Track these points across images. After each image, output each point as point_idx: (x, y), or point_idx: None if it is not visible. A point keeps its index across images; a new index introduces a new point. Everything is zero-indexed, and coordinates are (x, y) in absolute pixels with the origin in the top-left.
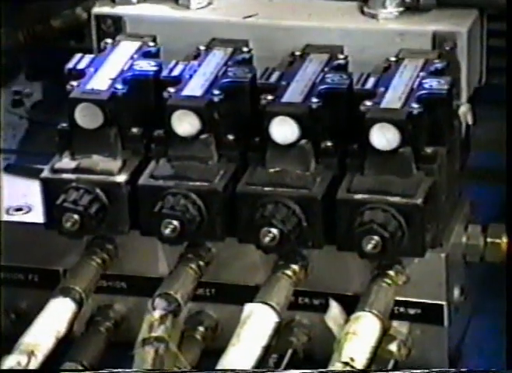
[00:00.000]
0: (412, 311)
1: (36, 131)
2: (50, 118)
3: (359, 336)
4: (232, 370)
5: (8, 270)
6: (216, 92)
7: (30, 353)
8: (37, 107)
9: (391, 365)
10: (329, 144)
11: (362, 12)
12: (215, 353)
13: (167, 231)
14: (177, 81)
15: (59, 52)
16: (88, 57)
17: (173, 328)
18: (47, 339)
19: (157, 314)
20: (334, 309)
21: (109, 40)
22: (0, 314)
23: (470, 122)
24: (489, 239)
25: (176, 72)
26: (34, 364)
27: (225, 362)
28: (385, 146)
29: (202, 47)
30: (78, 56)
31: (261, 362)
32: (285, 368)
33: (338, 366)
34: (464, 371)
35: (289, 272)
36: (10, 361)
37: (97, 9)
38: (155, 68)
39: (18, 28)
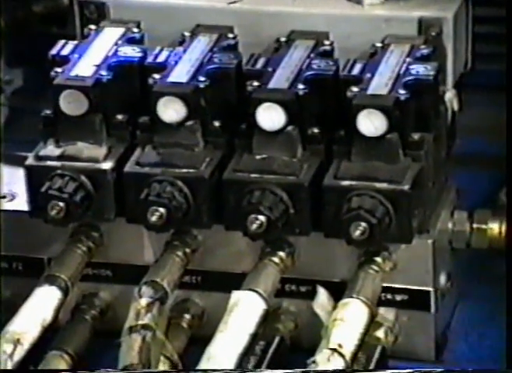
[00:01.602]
0: (398, 298)
1: (17, 118)
2: (31, 105)
3: (347, 322)
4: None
5: None
6: (202, 78)
7: (16, 342)
8: (18, 94)
9: (378, 351)
10: (316, 130)
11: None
12: (201, 340)
13: (153, 218)
14: (162, 67)
15: (41, 38)
16: (71, 44)
17: (159, 316)
18: (32, 328)
19: (144, 302)
20: (322, 296)
21: (92, 26)
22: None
23: (456, 108)
24: (475, 225)
25: (161, 59)
26: (20, 353)
27: (212, 349)
28: (372, 132)
29: (187, 33)
30: (61, 42)
31: (249, 349)
32: (273, 356)
33: (326, 352)
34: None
35: (276, 259)
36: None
37: None
38: (139, 55)
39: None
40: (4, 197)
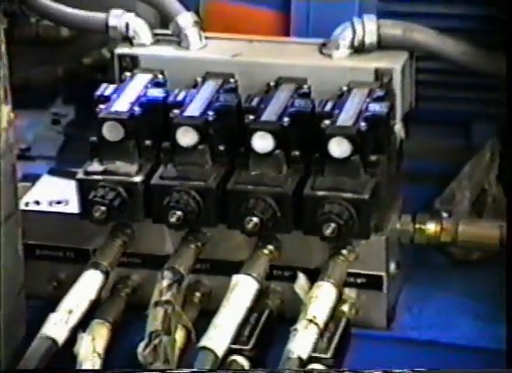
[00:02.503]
0: (359, 281)
1: (70, 143)
2: (81, 133)
3: (320, 299)
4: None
5: (50, 248)
6: (210, 113)
7: (69, 313)
8: (71, 125)
9: (343, 322)
10: (297, 153)
11: (321, 53)
12: (209, 313)
13: (173, 219)
14: (180, 104)
15: (89, 83)
16: (112, 87)
17: (177, 294)
18: (81, 302)
19: (165, 283)
20: (301, 279)
21: (128, 73)
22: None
23: (403, 136)
24: (416, 226)
25: (179, 98)
26: (72, 321)
27: (217, 320)
28: (340, 155)
29: (199, 79)
30: (104, 85)
31: (245, 319)
32: (263, 324)
33: (304, 322)
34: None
35: (266, 251)
36: (54, 318)
37: (119, 50)
38: (163, 95)
39: (58, 64)
40: (60, 202)
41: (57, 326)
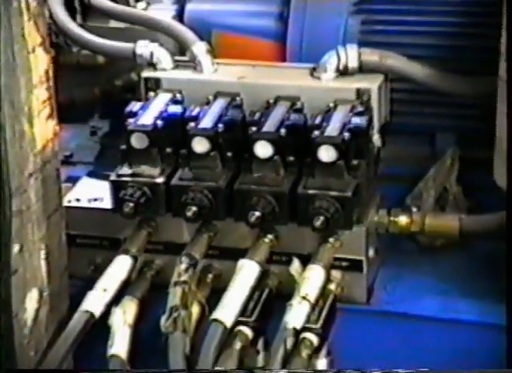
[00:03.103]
0: (343, 264)
1: (105, 151)
2: (114, 143)
3: (311, 280)
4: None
5: (88, 238)
6: (220, 125)
7: (104, 291)
8: (106, 136)
9: (330, 298)
10: (292, 158)
11: (312, 75)
12: (219, 291)
13: (189, 213)
14: (195, 118)
15: (120, 101)
16: (139, 104)
17: (193, 275)
18: (114, 282)
19: (183, 266)
20: (296, 263)
21: (152, 93)
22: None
23: (380, 145)
24: (391, 219)
25: (194, 113)
26: (107, 297)
27: (226, 297)
28: (327, 160)
29: (211, 97)
30: (133, 103)
31: (249, 297)
32: (264, 301)
33: (297, 299)
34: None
35: (266, 240)
36: (92, 295)
37: (144, 74)
38: (181, 110)
39: (95, 86)
40: (97, 200)
41: (94, 302)
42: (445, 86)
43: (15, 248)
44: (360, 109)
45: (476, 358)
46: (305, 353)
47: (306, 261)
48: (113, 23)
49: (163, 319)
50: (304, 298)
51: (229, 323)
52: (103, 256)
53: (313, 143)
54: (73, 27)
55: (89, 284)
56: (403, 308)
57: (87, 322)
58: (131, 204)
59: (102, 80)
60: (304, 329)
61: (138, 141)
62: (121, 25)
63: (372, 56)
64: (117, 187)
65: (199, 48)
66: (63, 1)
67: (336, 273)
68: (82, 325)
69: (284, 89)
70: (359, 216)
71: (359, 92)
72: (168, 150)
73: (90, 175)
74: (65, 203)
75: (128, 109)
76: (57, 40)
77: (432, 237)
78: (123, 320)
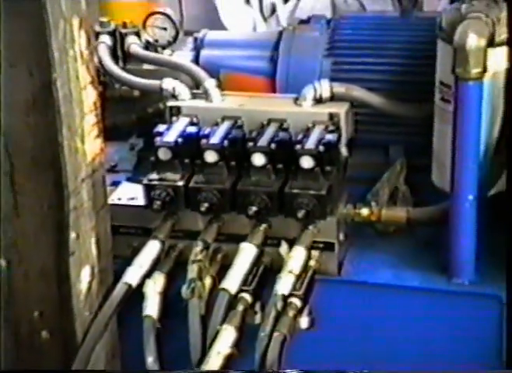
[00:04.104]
0: (320, 245)
1: (140, 162)
2: (146, 156)
3: (296, 258)
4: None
5: (127, 227)
6: (226, 141)
7: (140, 267)
8: (140, 150)
9: (310, 272)
10: (280, 166)
11: (295, 103)
12: (226, 267)
13: (203, 208)
14: (207, 136)
15: (151, 124)
16: (164, 126)
17: (206, 255)
18: (147, 260)
19: (198, 248)
20: (284, 245)
21: (174, 118)
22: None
23: (347, 155)
24: (356, 211)
25: (206, 132)
26: (142, 272)
27: (231, 272)
28: (307, 167)
29: (219, 120)
30: (160, 125)
31: (249, 272)
32: (260, 274)
33: (285, 273)
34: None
35: (261, 228)
36: (130, 270)
37: (169, 103)
38: (196, 131)
39: (132, 113)
40: (133, 199)
41: (132, 276)
42: (395, 110)
43: (73, 235)
44: (332, 128)
45: (418, 314)
46: (291, 313)
47: (291, 244)
48: (145, 66)
49: (183, 289)
50: (290, 271)
51: (233, 291)
52: (138, 241)
53: (296, 154)
54: (116, 69)
55: (128, 262)
56: (364, 278)
57: (127, 291)
58: (159, 202)
59: (137, 108)
60: (290, 295)
61: (163, 154)
62: (152, 67)
63: (340, 88)
64: (148, 189)
65: (210, 83)
66: (109, 51)
67: (315, 253)
68: (123, 293)
69: (274, 114)
70: (331, 209)
71: (331, 116)
72: (186, 160)
73: (129, 180)
74: (110, 202)
75: (156, 130)
76: (104, 79)
77: (386, 225)
78: (154, 289)
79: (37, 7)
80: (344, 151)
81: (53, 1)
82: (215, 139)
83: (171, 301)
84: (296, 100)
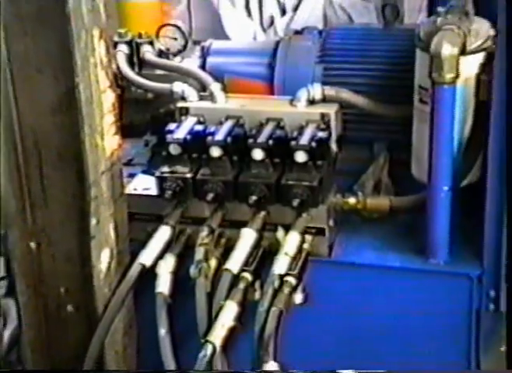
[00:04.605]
0: (313, 231)
1: (154, 157)
2: (159, 151)
3: (291, 242)
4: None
5: (142, 214)
6: (229, 138)
7: (153, 249)
8: (154, 146)
9: (304, 253)
10: (277, 160)
11: (291, 104)
12: (229, 249)
13: (208, 198)
14: (212, 134)
15: (164, 123)
16: (175, 124)
17: (211, 239)
18: (160, 243)
19: (205, 233)
20: (280, 231)
21: (183, 117)
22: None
23: (336, 150)
24: (344, 200)
25: (212, 130)
26: (155, 254)
27: (234, 254)
28: (301, 161)
29: (223, 119)
30: (171, 124)
31: (249, 254)
32: (260, 256)
33: (282, 255)
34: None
35: (261, 215)
36: (145, 252)
37: (179, 104)
38: (203, 128)
39: (147, 113)
40: (148, 189)
41: (146, 256)
42: (379, 111)
43: (93, 221)
44: (323, 126)
45: (399, 290)
46: (287, 290)
47: (287, 229)
48: (158, 71)
49: (191, 269)
50: (286, 254)
51: (235, 271)
52: (152, 226)
53: (291, 149)
54: (132, 74)
55: (143, 245)
56: (352, 259)
57: (141, 270)
58: (170, 192)
59: (151, 109)
60: (286, 274)
61: (174, 150)
62: (164, 72)
63: (331, 91)
64: (160, 181)
65: (215, 87)
66: (126, 58)
67: (308, 237)
68: (138, 272)
69: (272, 114)
70: (322, 198)
71: (323, 115)
72: (194, 155)
73: (143, 172)
74: (127, 192)
75: (167, 128)
76: (121, 83)
77: (371, 212)
78: (165, 269)
79: (62, 19)
80: (334, 147)
81: (76, 14)
82: (219, 136)
83: (181, 279)
84: (291, 102)
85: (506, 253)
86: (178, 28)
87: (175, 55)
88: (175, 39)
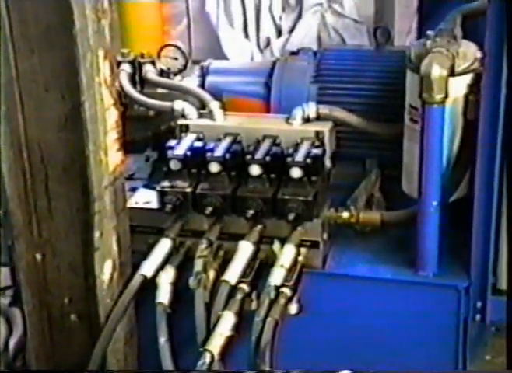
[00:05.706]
0: (307, 243)
1: (155, 171)
2: (160, 166)
3: (286, 254)
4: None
5: (143, 227)
6: (227, 154)
7: (154, 261)
8: (154, 162)
9: (299, 265)
10: (274, 176)
11: (287, 122)
12: (227, 261)
13: (207, 211)
14: (211, 150)
15: (164, 139)
16: (175, 141)
17: (210, 251)
18: (160, 255)
19: (204, 245)
20: (276, 243)
21: (183, 134)
22: None
23: (330, 167)
24: (338, 214)
25: (211, 146)
26: (155, 264)
27: (232, 265)
28: (297, 176)
29: (222, 136)
30: (171, 140)
31: (247, 266)
32: (257, 268)
33: (277, 267)
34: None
35: (257, 228)
36: (146, 263)
37: (179, 122)
38: (202, 145)
39: (148, 130)
40: (148, 202)
41: (147, 267)
42: (371, 129)
43: (97, 234)
44: (318, 143)
45: (390, 301)
46: (282, 301)
47: (283, 242)
48: (159, 90)
49: (191, 280)
50: (282, 266)
51: (233, 282)
52: (152, 238)
53: (287, 165)
54: (134, 93)
55: (144, 256)
56: (345, 271)
57: (143, 281)
58: (170, 206)
59: (152, 126)
60: (282, 285)
61: (174, 165)
62: (165, 91)
63: (325, 110)
64: (161, 195)
65: (214, 105)
66: (129, 77)
67: (303, 250)
68: (139, 283)
69: (268, 131)
70: (317, 213)
71: (317, 133)
72: (193, 170)
73: (145, 187)
74: (129, 205)
75: (168, 144)
76: (124, 101)
77: (363, 226)
78: (166, 280)
79: (69, 41)
80: (328, 163)
81: (82, 36)
82: (218, 152)
83: (180, 290)
84: (287, 120)
85: (506, 264)
86: (179, 48)
87: (175, 74)
88: (175, 59)
